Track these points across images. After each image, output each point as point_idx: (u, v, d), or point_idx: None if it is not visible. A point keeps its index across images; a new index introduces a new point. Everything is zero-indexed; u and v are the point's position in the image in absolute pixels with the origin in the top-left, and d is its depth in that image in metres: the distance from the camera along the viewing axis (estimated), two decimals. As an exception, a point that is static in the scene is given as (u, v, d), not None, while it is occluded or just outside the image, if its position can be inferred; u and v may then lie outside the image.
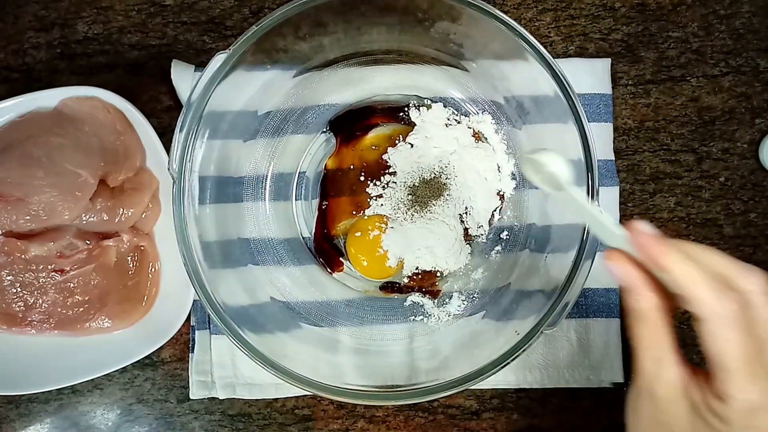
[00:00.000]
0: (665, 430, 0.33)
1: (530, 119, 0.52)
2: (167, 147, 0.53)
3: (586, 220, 0.38)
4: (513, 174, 0.55)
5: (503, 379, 0.57)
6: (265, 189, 0.56)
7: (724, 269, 0.31)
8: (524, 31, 0.45)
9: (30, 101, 0.53)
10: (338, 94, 0.57)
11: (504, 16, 0.45)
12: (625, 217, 0.58)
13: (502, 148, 0.55)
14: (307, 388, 0.44)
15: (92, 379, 0.55)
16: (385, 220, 0.55)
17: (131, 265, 0.55)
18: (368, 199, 0.55)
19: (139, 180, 0.55)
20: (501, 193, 0.55)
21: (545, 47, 0.45)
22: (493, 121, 0.55)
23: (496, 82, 0.53)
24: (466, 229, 0.55)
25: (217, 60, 0.44)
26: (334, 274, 0.56)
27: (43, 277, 0.53)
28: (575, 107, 0.44)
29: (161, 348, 0.55)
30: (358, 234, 0.55)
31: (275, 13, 0.45)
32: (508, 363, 0.44)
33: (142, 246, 0.55)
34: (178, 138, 0.44)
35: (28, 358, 0.54)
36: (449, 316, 0.54)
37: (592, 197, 0.44)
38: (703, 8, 0.60)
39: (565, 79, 0.45)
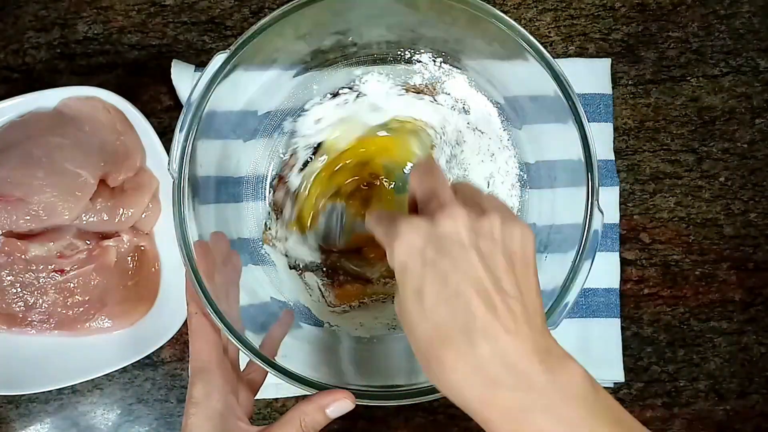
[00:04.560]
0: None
1: (530, 119, 0.52)
2: (167, 147, 0.53)
3: None
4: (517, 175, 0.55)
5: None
6: (264, 189, 0.56)
7: None
8: (524, 31, 0.45)
9: (30, 101, 0.53)
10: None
11: (504, 16, 0.45)
12: (625, 217, 0.58)
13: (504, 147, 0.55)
14: (307, 388, 0.44)
15: (92, 379, 0.55)
16: None
17: (131, 265, 0.55)
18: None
19: (139, 180, 0.55)
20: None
21: (545, 47, 0.45)
22: (502, 121, 0.55)
23: (496, 82, 0.53)
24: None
25: (217, 60, 0.44)
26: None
27: (43, 277, 0.53)
28: (575, 107, 0.44)
29: (161, 348, 0.55)
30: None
31: (275, 13, 0.45)
32: None
33: (142, 246, 0.55)
34: (178, 138, 0.44)
35: (28, 358, 0.54)
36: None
37: (592, 197, 0.44)
38: (703, 8, 0.60)
39: (565, 79, 0.44)
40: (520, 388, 0.32)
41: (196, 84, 0.44)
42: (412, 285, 0.34)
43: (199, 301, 0.42)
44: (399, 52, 0.55)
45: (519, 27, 0.45)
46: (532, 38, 0.45)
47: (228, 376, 0.42)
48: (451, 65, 0.55)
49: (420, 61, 0.55)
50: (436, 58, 0.55)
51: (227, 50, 0.45)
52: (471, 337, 0.32)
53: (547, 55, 0.45)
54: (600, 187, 0.44)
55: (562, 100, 0.45)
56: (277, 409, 0.57)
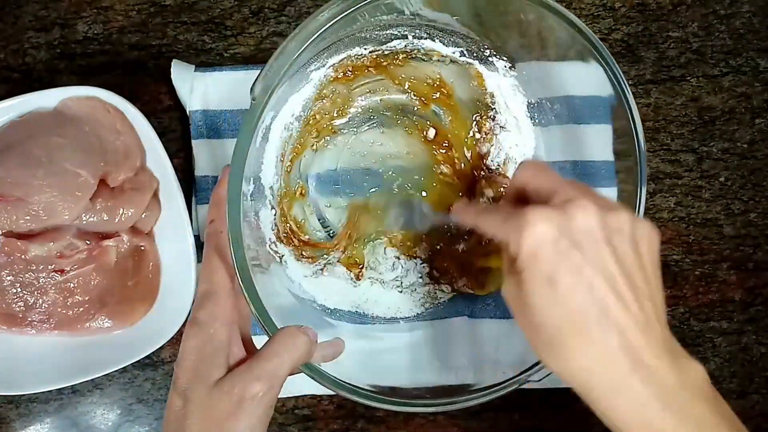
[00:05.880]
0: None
1: (559, 119, 0.52)
2: (167, 147, 0.53)
3: None
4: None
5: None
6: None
7: None
8: (587, 29, 0.44)
9: (30, 101, 0.53)
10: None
11: (569, 13, 0.44)
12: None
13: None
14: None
15: (92, 379, 0.55)
16: None
17: (131, 265, 0.55)
18: None
19: (139, 180, 0.55)
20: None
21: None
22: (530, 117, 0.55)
23: (532, 79, 0.53)
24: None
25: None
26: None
27: (43, 277, 0.53)
28: (629, 105, 0.45)
29: (161, 348, 0.55)
30: None
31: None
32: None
33: (142, 246, 0.55)
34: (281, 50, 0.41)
35: (28, 358, 0.54)
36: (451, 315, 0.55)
37: (640, 202, 0.45)
38: (703, 8, 0.60)
39: (624, 79, 0.45)
40: (652, 382, 0.33)
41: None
42: (544, 271, 0.33)
43: (225, 221, 0.39)
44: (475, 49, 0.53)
45: (582, 25, 0.44)
46: (593, 37, 0.44)
47: (237, 307, 0.40)
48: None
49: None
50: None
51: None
52: (604, 328, 0.33)
53: (606, 52, 0.44)
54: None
55: (612, 98, 0.45)
56: (276, 409, 0.57)
